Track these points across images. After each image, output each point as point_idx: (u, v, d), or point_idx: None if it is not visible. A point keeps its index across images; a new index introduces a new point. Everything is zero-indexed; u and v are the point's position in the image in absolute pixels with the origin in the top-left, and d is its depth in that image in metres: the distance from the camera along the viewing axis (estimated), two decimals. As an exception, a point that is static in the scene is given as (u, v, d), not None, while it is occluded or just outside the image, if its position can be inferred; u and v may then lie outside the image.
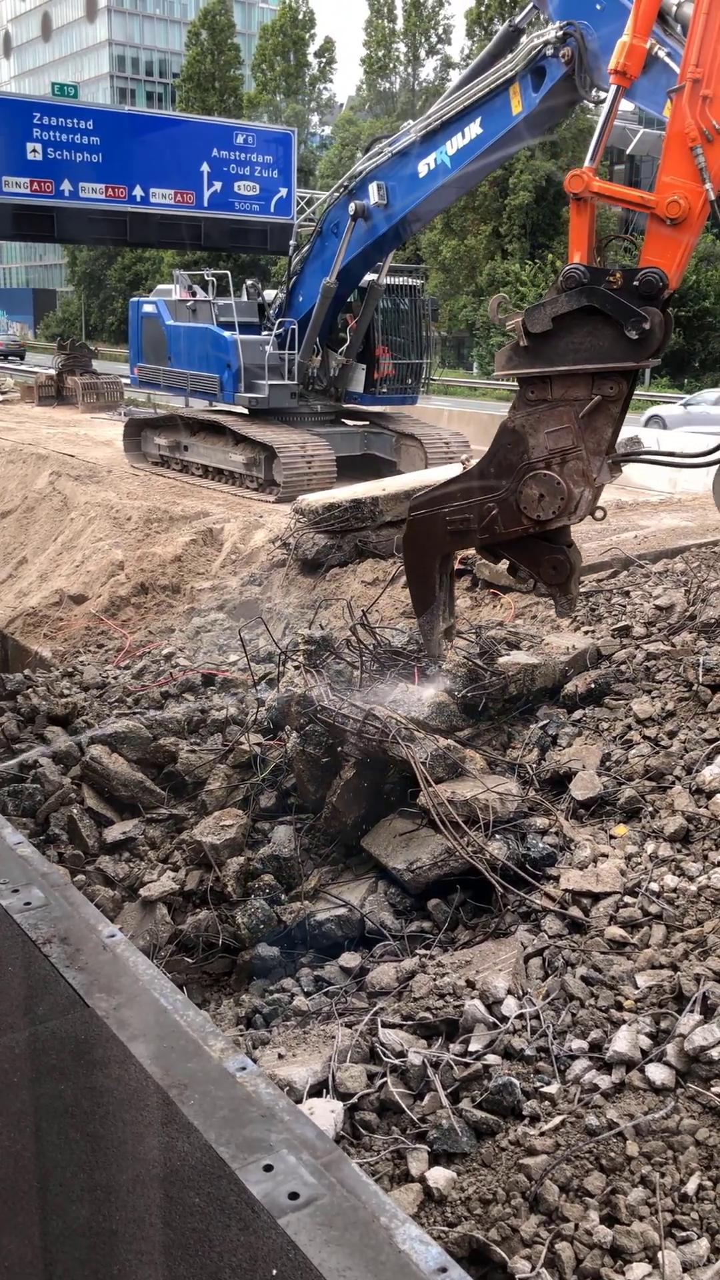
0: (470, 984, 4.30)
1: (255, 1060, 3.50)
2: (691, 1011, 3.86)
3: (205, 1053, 2.75)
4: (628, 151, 11.08)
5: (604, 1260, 3.17)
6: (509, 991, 4.18)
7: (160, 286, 31.61)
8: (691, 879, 4.65)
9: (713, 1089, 3.62)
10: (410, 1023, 4.16)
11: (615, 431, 6.15)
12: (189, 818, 6.60)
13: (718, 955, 4.13)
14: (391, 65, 72.22)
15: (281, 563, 12.39)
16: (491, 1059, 3.88)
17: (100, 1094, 2.67)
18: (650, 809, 5.25)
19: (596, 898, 4.71)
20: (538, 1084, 3.77)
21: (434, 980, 4.40)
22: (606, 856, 4.98)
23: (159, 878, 5.99)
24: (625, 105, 6.98)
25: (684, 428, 24.46)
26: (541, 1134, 3.56)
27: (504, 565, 6.92)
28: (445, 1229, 3.30)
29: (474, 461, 6.56)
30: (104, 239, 34.08)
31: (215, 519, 15.92)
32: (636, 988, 4.10)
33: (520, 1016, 4.05)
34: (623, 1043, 3.82)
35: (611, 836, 5.20)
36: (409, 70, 72.40)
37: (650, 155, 10.73)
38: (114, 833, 6.46)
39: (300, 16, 74.56)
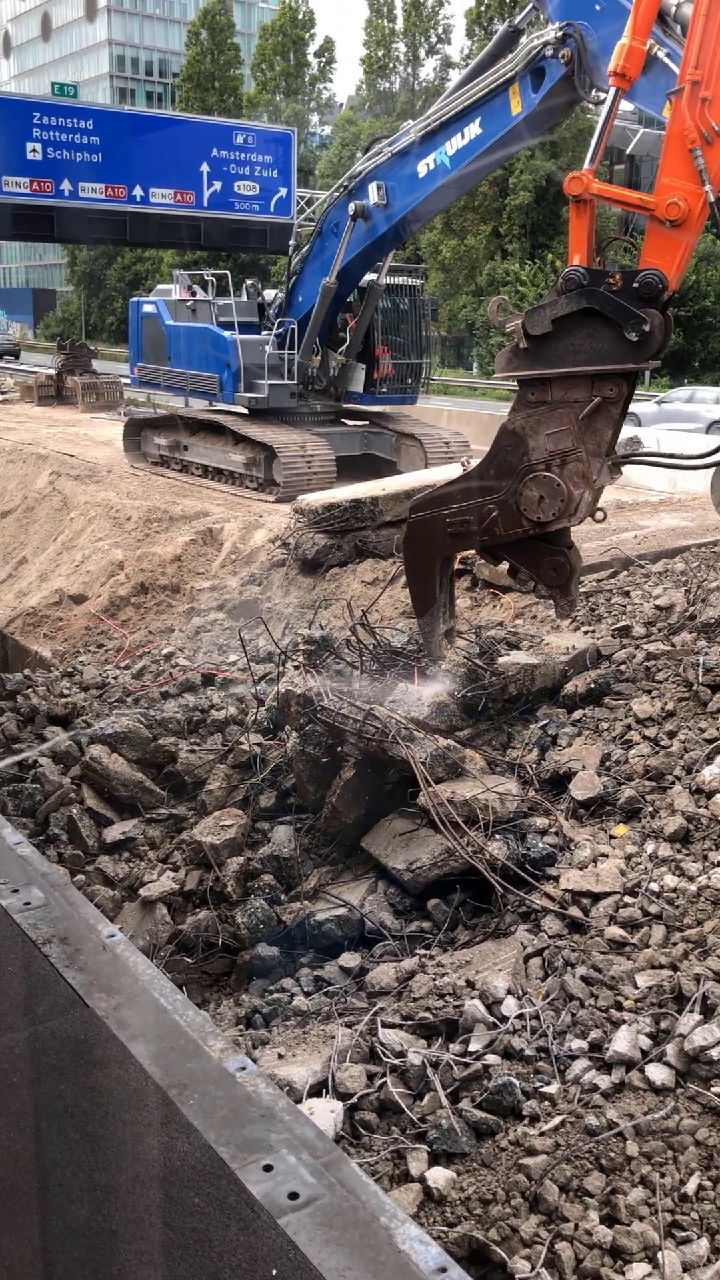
0: (470, 984, 4.30)
1: (255, 1060, 3.50)
2: (691, 1011, 3.86)
3: (205, 1053, 2.75)
4: (627, 151, 11.09)
5: (604, 1260, 3.17)
6: (509, 991, 4.18)
7: (160, 286, 31.64)
8: (691, 879, 4.65)
9: (713, 1089, 3.62)
10: (410, 1023, 4.16)
11: (615, 433, 6.16)
12: (189, 818, 6.60)
13: (718, 955, 4.13)
14: (391, 65, 72.26)
15: (281, 563, 12.39)
16: (491, 1059, 3.88)
17: (100, 1094, 2.67)
18: (650, 809, 5.25)
19: (596, 898, 4.71)
20: (538, 1084, 3.77)
21: (434, 980, 4.40)
22: (606, 856, 4.98)
23: (159, 878, 5.99)
24: (625, 105, 6.98)
25: (657, 425, 25.35)
26: (541, 1134, 3.56)
27: (504, 567, 6.93)
28: (445, 1229, 3.30)
29: (474, 463, 6.56)
30: (104, 239, 34.04)
31: (215, 519, 15.92)
32: (636, 988, 4.10)
33: (520, 1016, 4.05)
34: (623, 1043, 3.82)
35: (611, 836, 5.20)
36: (409, 70, 72.48)
37: (650, 155, 10.74)
38: (114, 833, 6.46)
39: (300, 16, 74.57)
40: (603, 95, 9.99)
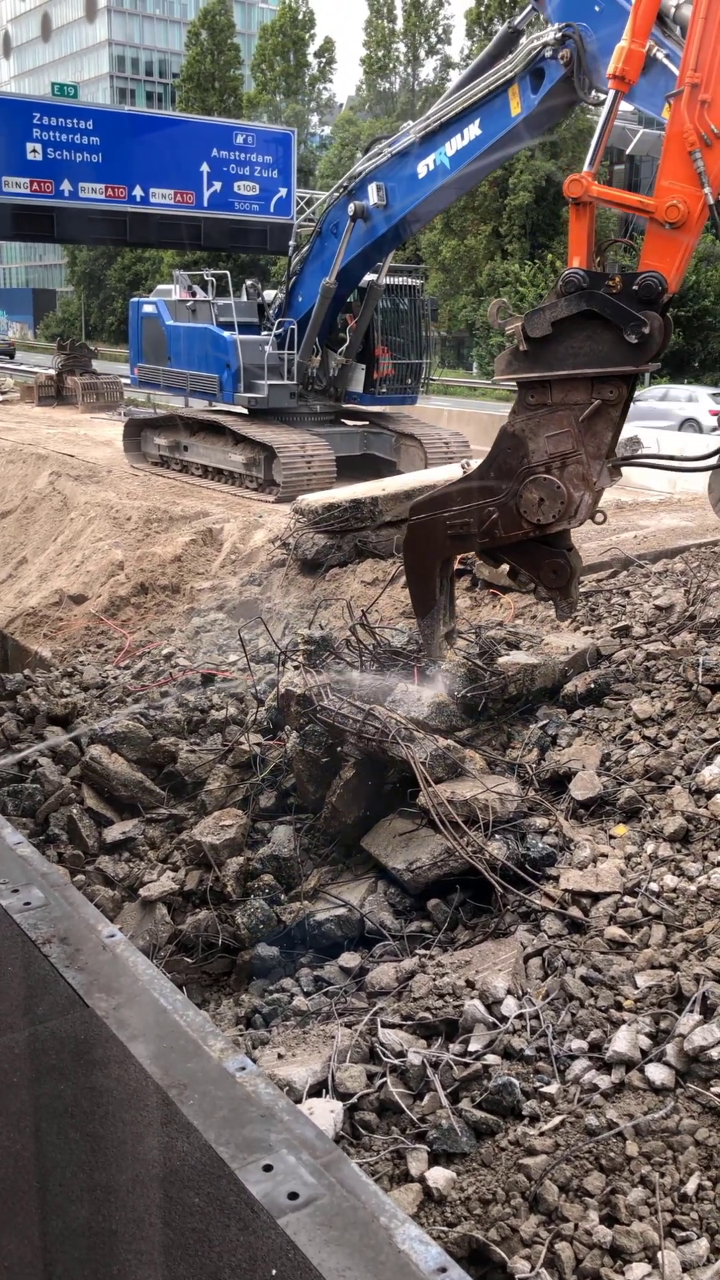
0: (470, 984, 4.30)
1: (255, 1060, 3.50)
2: (691, 1011, 3.86)
3: (205, 1053, 2.75)
4: (627, 151, 11.08)
5: (604, 1260, 3.18)
6: (509, 991, 4.18)
7: (160, 287, 31.64)
8: (691, 879, 4.65)
9: (712, 1089, 3.62)
10: (410, 1023, 4.17)
11: (615, 435, 6.16)
12: (189, 818, 6.60)
13: (717, 955, 4.13)
14: (391, 65, 72.25)
15: (281, 563, 12.39)
16: (491, 1059, 3.88)
17: (100, 1094, 2.67)
18: (650, 809, 5.25)
19: (596, 898, 4.71)
20: (537, 1084, 3.77)
21: (434, 980, 4.40)
22: (606, 856, 4.99)
23: (159, 878, 5.99)
24: (625, 106, 6.97)
25: (631, 422, 25.39)
26: (541, 1134, 3.56)
27: (504, 569, 6.94)
28: (445, 1229, 3.30)
29: (474, 465, 6.57)
30: (104, 239, 34.07)
31: (215, 519, 15.92)
32: (636, 988, 4.10)
33: (520, 1016, 4.05)
34: (622, 1043, 3.82)
35: (611, 836, 5.20)
36: (409, 70, 72.48)
37: (650, 155, 10.73)
38: (114, 833, 6.46)
39: (300, 16, 74.57)
40: (602, 96, 10.00)
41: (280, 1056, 4.14)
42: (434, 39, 70.68)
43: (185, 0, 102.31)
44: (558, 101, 11.70)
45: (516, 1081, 3.73)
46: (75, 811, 6.49)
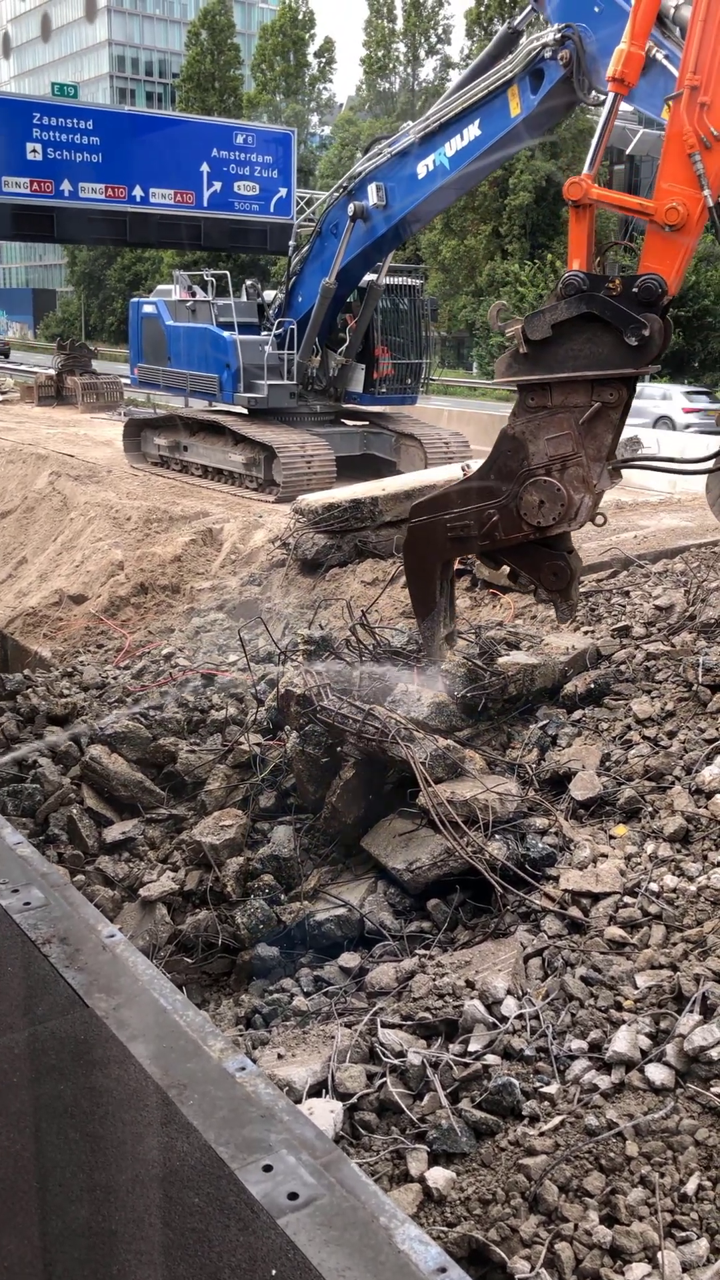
0: (470, 984, 4.30)
1: (255, 1060, 3.50)
2: (691, 1012, 3.86)
3: (205, 1053, 2.75)
4: (627, 152, 11.09)
5: (603, 1260, 3.18)
6: (508, 992, 4.18)
7: (160, 287, 31.65)
8: (691, 879, 4.65)
9: (712, 1089, 3.62)
10: (410, 1023, 4.17)
11: (615, 438, 6.17)
12: (189, 818, 6.60)
13: (717, 955, 4.13)
14: (391, 65, 72.26)
15: (281, 563, 12.39)
16: (491, 1059, 3.88)
17: (100, 1094, 2.67)
18: (650, 809, 5.25)
19: (596, 898, 4.71)
20: (537, 1084, 3.77)
21: (433, 980, 4.40)
22: (606, 857, 4.98)
23: (159, 878, 5.99)
24: (625, 106, 6.97)
25: None
26: (541, 1134, 3.56)
27: (505, 571, 6.94)
28: (445, 1229, 3.30)
29: (474, 467, 6.57)
30: (104, 239, 34.08)
31: (215, 519, 15.92)
32: (636, 988, 4.10)
33: (520, 1017, 4.05)
34: (622, 1043, 3.82)
35: (611, 837, 5.20)
36: (409, 70, 72.49)
37: (650, 155, 10.74)
38: (114, 833, 6.46)
39: (300, 16, 74.59)
40: (602, 97, 10.00)
41: (280, 1056, 4.14)
42: (434, 39, 70.73)
43: (185, 0, 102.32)
44: (557, 102, 11.70)
45: (516, 1081, 3.73)
46: (75, 811, 6.49)
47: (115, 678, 8.72)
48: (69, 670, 9.13)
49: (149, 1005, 2.95)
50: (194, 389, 20.83)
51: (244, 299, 20.47)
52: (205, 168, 25.46)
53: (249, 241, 27.79)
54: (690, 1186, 3.34)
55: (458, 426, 22.59)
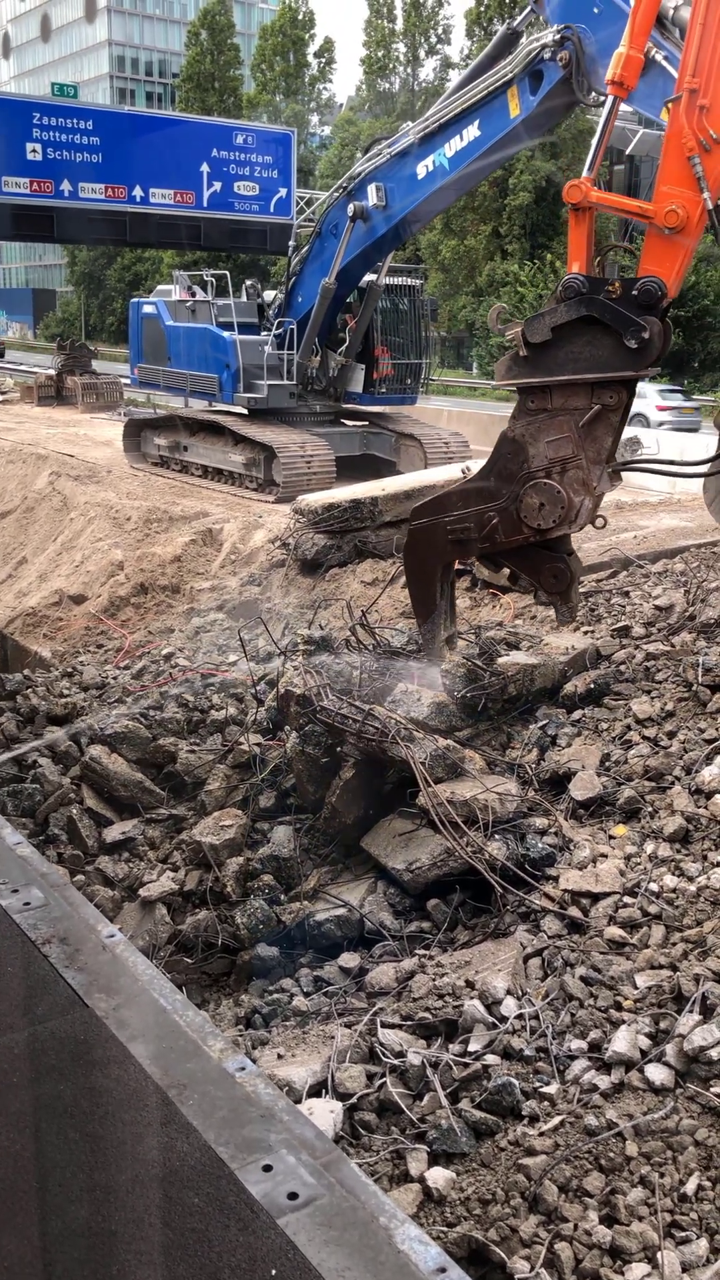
0: (469, 984, 4.30)
1: (254, 1060, 3.50)
2: (691, 1012, 3.86)
3: (204, 1053, 2.75)
4: (627, 152, 11.08)
5: (603, 1260, 3.18)
6: (508, 992, 4.18)
7: (160, 287, 31.66)
8: (691, 879, 4.65)
9: (712, 1089, 3.62)
10: (409, 1023, 4.17)
11: (615, 440, 6.18)
12: (188, 818, 6.60)
13: (717, 955, 4.13)
14: (391, 65, 72.26)
15: (281, 563, 12.39)
16: (491, 1059, 3.88)
17: (100, 1094, 2.67)
18: (650, 809, 5.25)
19: (596, 898, 4.71)
20: (537, 1084, 3.77)
21: (433, 980, 4.40)
22: (606, 857, 4.99)
23: (158, 878, 5.99)
24: (624, 107, 6.97)
25: None
26: (541, 1134, 3.56)
27: (505, 573, 6.95)
28: (444, 1229, 3.30)
29: (474, 469, 6.58)
30: (104, 239, 34.11)
31: (215, 519, 15.93)
32: (636, 988, 4.10)
33: (519, 1017, 4.05)
34: (622, 1043, 3.82)
35: (611, 837, 5.20)
36: (408, 70, 72.49)
37: (650, 155, 10.74)
38: (113, 833, 6.46)
39: (300, 17, 74.59)
40: (601, 98, 10.00)
41: (280, 1057, 4.14)
42: (434, 39, 70.74)
43: (185, 0, 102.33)
44: (556, 103, 11.70)
45: (516, 1082, 3.73)
46: (75, 811, 6.49)
47: (115, 678, 8.72)
48: (69, 670, 9.13)
49: (149, 1005, 2.95)
50: (194, 389, 20.84)
51: (244, 299, 20.48)
52: (205, 168, 25.48)
53: (249, 242, 27.81)
54: (690, 1186, 3.34)
55: (457, 427, 22.59)
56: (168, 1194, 2.36)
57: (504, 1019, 4.05)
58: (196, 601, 12.43)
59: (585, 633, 7.55)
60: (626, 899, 4.65)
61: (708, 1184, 3.36)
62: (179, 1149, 2.46)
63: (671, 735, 5.78)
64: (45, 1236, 2.31)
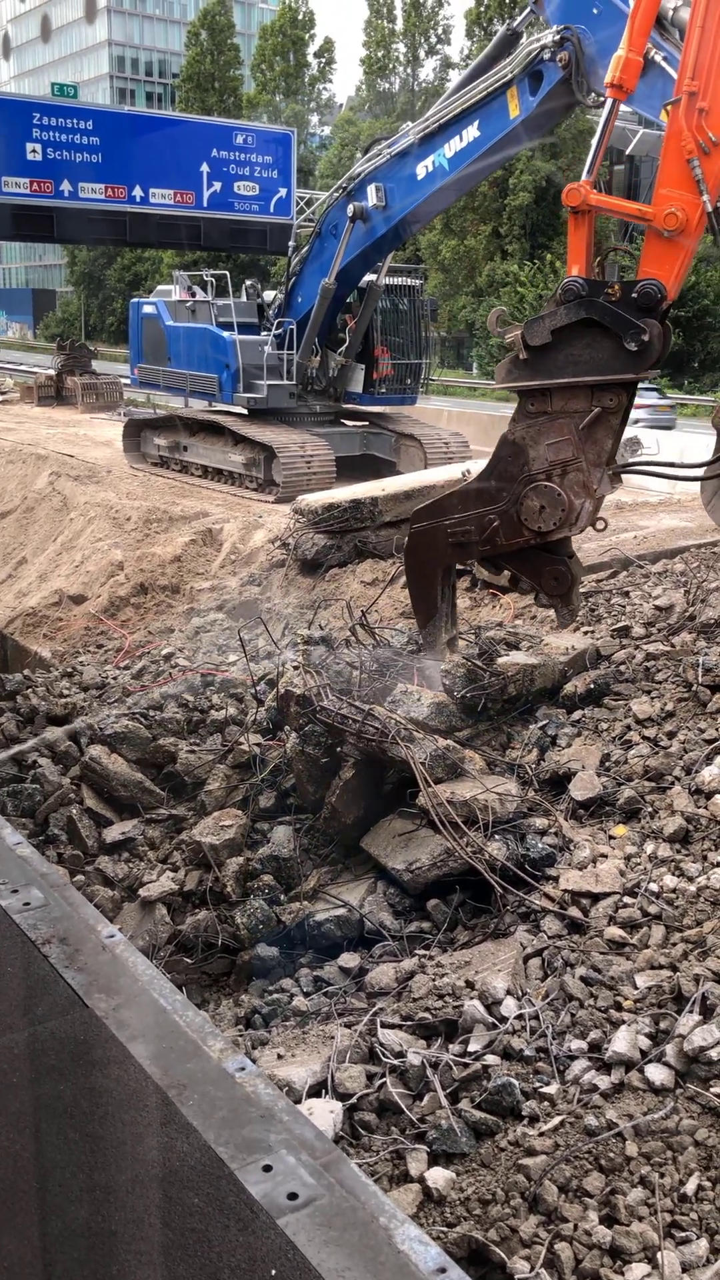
0: (469, 984, 4.30)
1: (254, 1060, 3.50)
2: (691, 1012, 3.87)
3: (204, 1053, 2.75)
4: (627, 152, 11.09)
5: (603, 1260, 3.18)
6: (508, 992, 4.18)
7: (160, 287, 31.65)
8: (691, 879, 4.65)
9: (712, 1089, 3.62)
10: (409, 1023, 4.17)
11: (615, 443, 6.18)
12: (188, 818, 6.60)
13: (717, 955, 4.13)
14: (391, 66, 72.27)
15: (281, 563, 12.39)
16: (491, 1059, 3.88)
17: (99, 1094, 2.67)
18: (650, 809, 5.25)
19: (596, 898, 4.71)
20: (537, 1084, 3.77)
21: (433, 981, 4.40)
22: (606, 857, 4.99)
23: (158, 878, 5.99)
24: (624, 107, 6.97)
25: None
26: (541, 1134, 3.56)
27: (506, 575, 6.96)
28: (444, 1229, 3.30)
29: (475, 471, 6.59)
30: (104, 239, 34.13)
31: (215, 519, 15.93)
32: (636, 988, 4.10)
33: (519, 1017, 4.05)
34: (622, 1043, 3.82)
35: (611, 837, 5.20)
36: (408, 71, 72.50)
37: (650, 155, 10.74)
38: (113, 833, 6.47)
39: (300, 17, 74.61)
40: (601, 99, 10.00)
41: (280, 1057, 4.14)
42: (434, 39, 70.75)
43: (185, 0, 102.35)
44: (556, 104, 11.71)
45: (516, 1082, 3.73)
46: (75, 812, 6.49)
47: (115, 678, 8.72)
48: (69, 670, 9.14)
49: (149, 1005, 2.95)
50: (194, 389, 20.84)
51: (244, 299, 20.48)
52: (205, 168, 25.49)
53: (249, 242, 27.83)
54: (690, 1187, 3.34)
55: (457, 427, 22.59)
56: (168, 1194, 2.36)
57: (504, 1019, 4.05)
58: (196, 601, 12.43)
59: (585, 633, 7.55)
60: (626, 899, 4.65)
61: (708, 1184, 3.36)
62: (179, 1149, 2.46)
63: (671, 735, 5.78)
64: (45, 1236, 2.31)
